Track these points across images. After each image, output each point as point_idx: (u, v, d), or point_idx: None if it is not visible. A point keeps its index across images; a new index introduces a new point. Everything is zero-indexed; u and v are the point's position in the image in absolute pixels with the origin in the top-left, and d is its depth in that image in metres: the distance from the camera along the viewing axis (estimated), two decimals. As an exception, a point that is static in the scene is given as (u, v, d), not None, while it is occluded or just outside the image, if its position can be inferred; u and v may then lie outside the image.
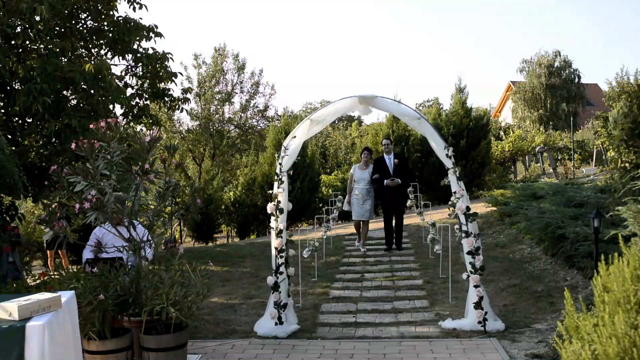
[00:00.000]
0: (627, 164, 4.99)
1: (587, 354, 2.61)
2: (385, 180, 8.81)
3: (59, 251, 11.73)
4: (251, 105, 25.08)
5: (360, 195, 9.02)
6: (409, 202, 9.69)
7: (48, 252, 11.87)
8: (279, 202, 5.46)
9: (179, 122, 23.72)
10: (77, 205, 4.20)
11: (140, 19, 9.54)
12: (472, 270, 5.27)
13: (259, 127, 25.37)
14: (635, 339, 2.37)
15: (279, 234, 5.41)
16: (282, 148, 5.52)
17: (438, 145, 5.45)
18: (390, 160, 8.95)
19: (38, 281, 5.05)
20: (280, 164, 5.51)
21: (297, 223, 15.69)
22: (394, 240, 9.26)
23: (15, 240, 7.23)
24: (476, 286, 5.23)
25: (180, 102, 10.40)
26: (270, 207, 5.47)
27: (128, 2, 9.45)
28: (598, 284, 2.71)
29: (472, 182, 15.11)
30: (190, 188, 4.81)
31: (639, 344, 2.35)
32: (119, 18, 9.23)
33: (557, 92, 37.45)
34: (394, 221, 9.16)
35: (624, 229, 3.54)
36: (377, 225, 11.33)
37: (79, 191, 4.33)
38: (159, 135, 4.53)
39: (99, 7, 9.02)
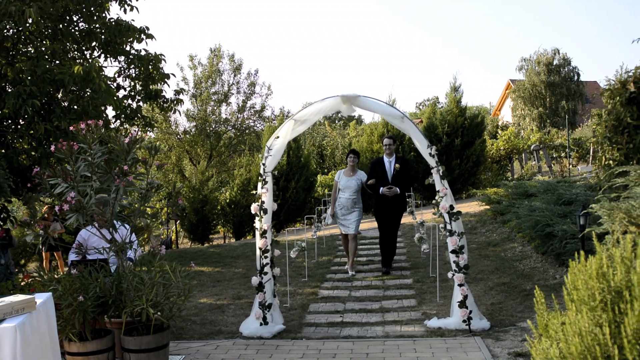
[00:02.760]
0: (610, 161, 4.98)
1: (554, 352, 2.61)
2: (381, 188, 7.43)
3: (55, 253, 11.78)
4: (248, 105, 25.12)
5: (345, 207, 7.62)
6: None
7: (44, 254, 11.91)
8: (262, 202, 5.46)
9: (175, 124, 23.77)
10: (57, 207, 4.21)
11: (132, 20, 9.56)
12: (457, 269, 5.27)
13: (256, 128, 25.41)
14: (599, 337, 2.36)
15: (263, 234, 5.42)
16: (266, 149, 5.52)
17: (421, 144, 5.45)
18: (390, 164, 7.61)
19: (23, 283, 5.07)
20: (263, 164, 5.51)
21: (292, 223, 15.68)
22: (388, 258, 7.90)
23: (4, 242, 7.26)
24: (460, 285, 5.22)
25: (173, 104, 10.41)
26: (254, 207, 5.47)
27: (119, 4, 9.47)
28: (568, 282, 2.71)
29: (467, 180, 15.07)
30: (172, 189, 4.81)
31: (602, 342, 2.35)
32: (111, 20, 9.25)
33: (557, 89, 37.41)
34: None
35: (598, 227, 3.53)
36: (370, 224, 11.32)
37: (61, 193, 4.34)
38: (140, 137, 4.53)
39: (91, 9, 9.04)
